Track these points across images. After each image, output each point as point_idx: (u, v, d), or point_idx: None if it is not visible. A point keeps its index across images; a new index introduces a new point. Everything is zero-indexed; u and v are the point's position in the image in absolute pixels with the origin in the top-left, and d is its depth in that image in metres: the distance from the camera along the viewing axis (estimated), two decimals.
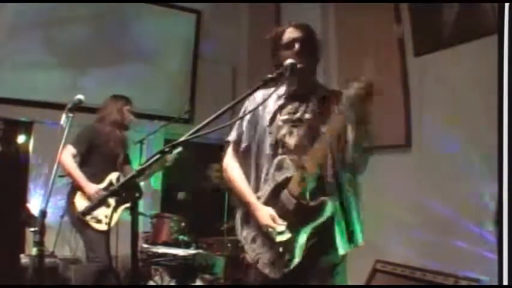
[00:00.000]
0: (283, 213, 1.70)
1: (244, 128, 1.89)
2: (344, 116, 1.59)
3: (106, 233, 3.08)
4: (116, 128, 3.34)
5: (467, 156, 2.85)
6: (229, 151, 1.94)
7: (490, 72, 1.49)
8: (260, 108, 1.83)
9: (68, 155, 3.05)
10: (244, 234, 1.82)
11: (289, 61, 1.68)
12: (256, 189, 1.82)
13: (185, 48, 5.19)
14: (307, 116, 1.78)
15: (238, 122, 1.89)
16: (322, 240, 1.71)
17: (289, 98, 1.83)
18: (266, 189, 1.78)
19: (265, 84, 1.62)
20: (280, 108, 1.82)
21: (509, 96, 1.33)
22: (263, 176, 1.81)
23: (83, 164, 3.16)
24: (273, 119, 1.82)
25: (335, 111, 1.63)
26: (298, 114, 1.79)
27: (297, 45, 1.76)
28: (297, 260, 1.65)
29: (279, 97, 1.85)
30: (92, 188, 3.08)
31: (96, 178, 3.14)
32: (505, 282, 1.27)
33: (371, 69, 3.53)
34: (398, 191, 3.28)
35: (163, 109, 4.88)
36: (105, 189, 3.13)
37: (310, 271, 1.71)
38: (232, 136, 1.92)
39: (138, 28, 4.85)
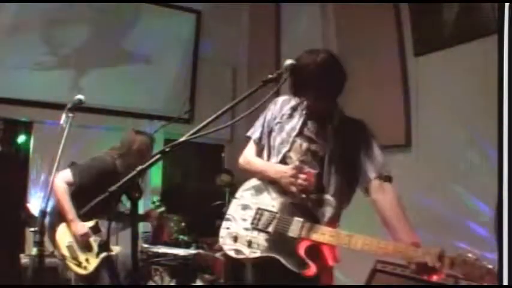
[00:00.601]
0: None
1: (264, 130, 1.94)
2: None
3: (94, 275, 2.84)
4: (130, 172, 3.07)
5: (467, 156, 2.85)
6: (249, 148, 1.99)
7: (490, 72, 1.49)
8: (278, 116, 1.89)
9: (62, 182, 2.80)
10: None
11: (289, 61, 1.68)
12: None
13: (185, 48, 5.19)
14: (320, 140, 1.81)
15: (260, 123, 1.95)
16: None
17: (308, 118, 1.85)
18: None
19: (265, 84, 1.62)
20: (300, 126, 1.85)
21: (509, 96, 1.33)
22: None
23: (73, 195, 2.83)
24: (283, 127, 1.86)
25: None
26: (313, 136, 1.82)
27: (315, 82, 1.72)
28: None
29: (301, 113, 1.87)
30: (80, 228, 2.81)
31: (84, 217, 2.82)
32: (505, 282, 1.27)
33: (371, 69, 3.53)
34: (398, 191, 3.28)
35: (163, 109, 4.89)
36: (92, 229, 2.87)
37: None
38: (253, 133, 1.97)
39: (138, 28, 4.85)
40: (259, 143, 1.97)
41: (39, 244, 2.12)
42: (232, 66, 5.42)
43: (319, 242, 1.66)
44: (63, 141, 2.32)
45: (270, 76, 1.62)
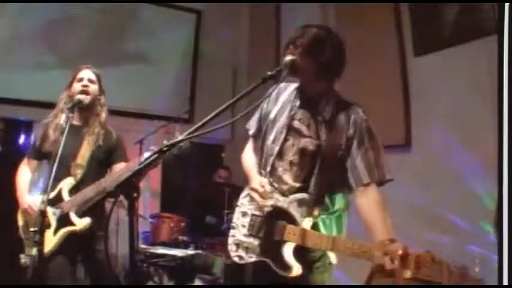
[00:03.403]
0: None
1: (261, 124, 1.93)
2: None
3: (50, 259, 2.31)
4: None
5: (467, 156, 2.85)
6: (249, 143, 2.03)
7: (490, 73, 1.49)
8: (274, 104, 1.87)
9: (22, 164, 2.63)
10: (237, 220, 1.89)
11: (288, 57, 1.67)
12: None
13: (185, 48, 5.19)
14: (308, 129, 1.77)
15: (257, 117, 1.95)
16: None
17: (297, 102, 1.82)
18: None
19: (264, 82, 1.62)
20: (288, 109, 1.83)
21: (509, 96, 1.33)
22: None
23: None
24: (277, 118, 1.84)
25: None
26: (301, 125, 1.79)
27: (287, 52, 1.73)
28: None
29: (289, 97, 1.86)
30: (25, 201, 2.43)
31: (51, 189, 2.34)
32: (505, 282, 1.27)
33: (371, 69, 3.53)
34: (399, 191, 3.28)
35: (163, 109, 4.88)
36: (52, 201, 2.33)
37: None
38: (252, 130, 1.99)
39: (138, 28, 4.85)
40: (256, 137, 1.97)
41: (39, 244, 2.12)
42: (232, 66, 5.42)
43: (297, 243, 1.66)
44: (63, 140, 2.32)
45: (269, 73, 1.61)
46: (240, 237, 1.81)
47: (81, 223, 2.35)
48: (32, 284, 2.15)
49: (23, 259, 2.36)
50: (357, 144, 1.70)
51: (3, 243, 3.70)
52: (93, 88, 2.55)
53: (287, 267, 1.64)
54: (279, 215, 1.72)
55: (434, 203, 3.04)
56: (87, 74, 2.57)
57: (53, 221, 2.35)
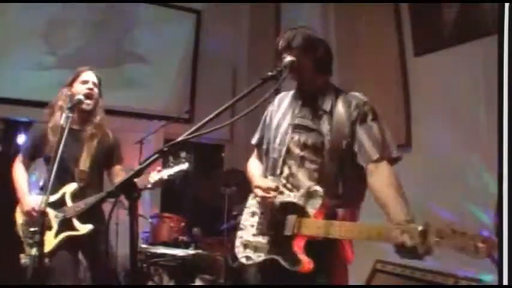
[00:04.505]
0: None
1: (264, 132, 1.98)
2: None
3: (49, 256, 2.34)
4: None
5: (467, 156, 2.85)
6: (253, 154, 2.09)
7: (490, 73, 1.49)
8: (276, 112, 1.92)
9: (16, 162, 2.60)
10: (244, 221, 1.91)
11: (288, 59, 1.70)
12: None
13: (185, 48, 5.19)
14: (312, 123, 1.79)
15: (260, 127, 2.01)
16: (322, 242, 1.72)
17: (298, 102, 1.86)
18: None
19: (264, 82, 1.63)
20: (290, 112, 1.87)
21: (509, 96, 1.33)
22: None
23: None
24: (280, 123, 1.87)
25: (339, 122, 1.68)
26: (304, 121, 1.81)
27: (285, 55, 1.76)
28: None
29: (290, 101, 1.90)
30: (29, 202, 2.40)
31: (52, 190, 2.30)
32: (505, 282, 1.27)
33: (371, 69, 3.53)
34: None
35: (163, 109, 4.89)
36: (54, 204, 2.40)
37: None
38: (254, 140, 2.04)
39: (138, 28, 4.86)
40: (259, 146, 2.01)
41: (39, 244, 2.12)
42: (232, 66, 5.42)
43: (310, 235, 1.63)
44: (63, 141, 2.32)
45: (269, 73, 1.62)
46: (249, 238, 1.81)
47: (84, 229, 2.40)
48: (32, 284, 2.14)
49: (23, 259, 2.37)
50: (360, 123, 1.72)
51: (3, 243, 3.70)
52: (96, 92, 2.57)
53: (297, 262, 1.61)
54: (289, 209, 1.71)
55: (434, 203, 3.04)
56: (91, 77, 2.59)
57: (54, 223, 2.41)
